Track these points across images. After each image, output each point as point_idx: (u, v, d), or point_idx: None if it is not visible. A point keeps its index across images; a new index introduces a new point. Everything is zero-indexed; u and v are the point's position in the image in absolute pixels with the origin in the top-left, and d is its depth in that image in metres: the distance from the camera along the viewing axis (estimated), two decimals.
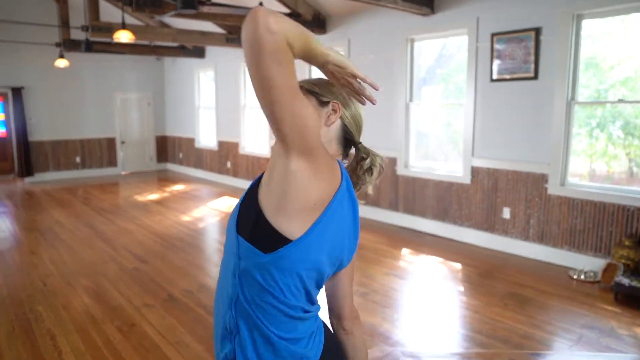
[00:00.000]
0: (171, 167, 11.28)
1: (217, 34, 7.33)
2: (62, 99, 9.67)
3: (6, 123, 10.00)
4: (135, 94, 10.72)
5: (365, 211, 6.16)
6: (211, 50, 9.20)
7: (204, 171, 9.91)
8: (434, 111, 5.62)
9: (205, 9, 4.83)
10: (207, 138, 9.88)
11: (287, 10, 6.11)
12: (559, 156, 4.21)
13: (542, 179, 4.35)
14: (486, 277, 4.03)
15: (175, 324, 3.14)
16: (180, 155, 10.83)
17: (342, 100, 1.12)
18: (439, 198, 5.29)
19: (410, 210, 5.63)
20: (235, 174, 8.89)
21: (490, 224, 4.81)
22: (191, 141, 10.30)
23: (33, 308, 3.40)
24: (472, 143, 4.90)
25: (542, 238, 4.40)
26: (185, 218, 6.32)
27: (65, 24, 7.53)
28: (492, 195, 4.78)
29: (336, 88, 1.11)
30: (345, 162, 1.16)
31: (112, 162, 10.49)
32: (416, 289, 3.86)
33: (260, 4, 5.64)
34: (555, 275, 4.04)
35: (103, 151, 10.35)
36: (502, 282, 3.91)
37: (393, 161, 5.76)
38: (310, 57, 0.94)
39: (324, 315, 1.24)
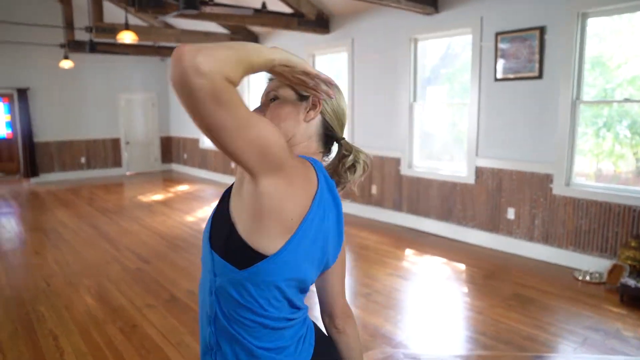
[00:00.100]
0: (176, 167, 11.31)
1: (220, 34, 7.34)
2: (67, 99, 9.71)
3: (12, 124, 10.06)
4: (139, 94, 10.76)
5: (369, 211, 6.14)
6: None
7: (209, 172, 9.93)
8: (439, 111, 5.60)
9: (208, 9, 4.83)
10: None
11: (290, 11, 6.10)
12: (564, 156, 4.18)
13: (547, 179, 4.31)
14: (490, 278, 4.00)
15: (177, 324, 3.14)
16: (185, 155, 10.85)
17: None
18: (443, 198, 5.26)
19: (414, 210, 5.61)
20: None
21: (495, 224, 4.77)
22: (195, 142, 10.31)
23: (36, 308, 3.40)
24: (477, 143, 4.87)
25: (546, 239, 4.36)
26: (189, 218, 6.32)
27: (69, 25, 7.56)
28: (496, 196, 4.74)
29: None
30: (327, 160, 1.11)
31: (117, 163, 10.53)
32: (419, 289, 3.83)
33: (263, 5, 5.64)
34: (560, 276, 4.01)
35: (108, 152, 10.39)
36: (506, 283, 3.87)
37: (397, 161, 5.74)
38: (255, 71, 0.87)
39: (318, 314, 1.22)
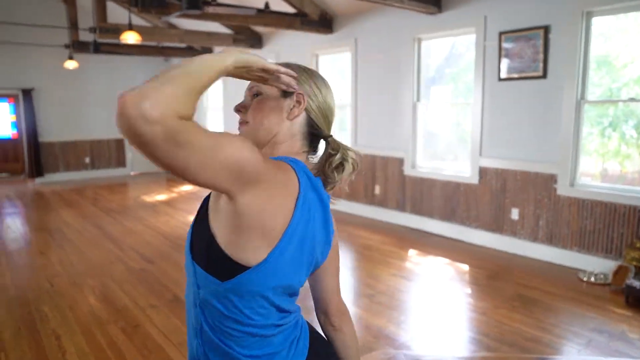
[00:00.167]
0: None
1: (223, 34, 7.34)
2: (71, 100, 9.75)
3: (17, 124, 10.12)
4: None
5: (372, 211, 6.12)
6: (219, 52, 9.21)
7: None
8: (443, 111, 5.58)
9: (211, 9, 4.83)
10: None
11: (293, 10, 6.10)
12: (568, 156, 4.15)
13: (551, 179, 4.29)
14: (494, 278, 3.98)
15: (179, 324, 3.14)
16: None
17: (308, 90, 1.02)
18: (447, 198, 5.24)
19: (417, 210, 5.59)
20: None
21: (499, 224, 4.75)
22: None
23: (39, 308, 3.41)
24: (480, 143, 4.85)
25: (551, 239, 4.33)
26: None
27: (74, 25, 7.59)
28: (500, 196, 4.72)
29: (304, 75, 1.02)
30: (314, 158, 1.08)
31: (121, 163, 10.56)
32: (423, 290, 3.82)
33: (266, 5, 5.63)
34: (564, 277, 3.98)
35: (112, 152, 10.42)
36: (510, 283, 3.85)
37: (400, 161, 5.72)
38: (209, 87, 0.82)
39: (315, 314, 1.21)
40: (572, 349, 2.84)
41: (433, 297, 3.66)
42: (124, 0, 6.29)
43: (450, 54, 5.65)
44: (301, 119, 1.02)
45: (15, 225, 6.06)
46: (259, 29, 7.56)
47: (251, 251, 0.87)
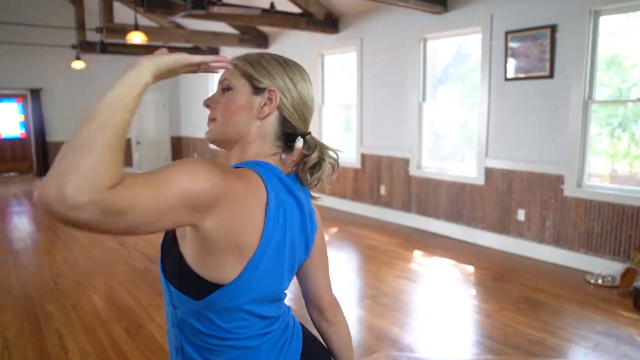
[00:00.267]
0: None
1: (229, 34, 7.35)
2: (78, 100, 9.81)
3: (25, 124, 10.20)
4: (150, 95, 10.83)
5: (377, 212, 6.10)
6: (225, 52, 9.23)
7: None
8: (450, 111, 5.54)
9: (216, 9, 4.83)
10: None
11: (298, 10, 6.08)
12: (575, 157, 4.10)
13: (558, 180, 4.24)
14: (499, 280, 3.93)
15: None
16: (195, 155, 10.89)
17: (282, 86, 0.94)
18: (452, 199, 5.20)
19: (422, 211, 5.55)
20: None
21: (505, 226, 4.70)
22: (205, 141, 10.35)
23: (43, 307, 3.42)
24: (486, 144, 4.80)
25: (557, 241, 4.28)
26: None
27: (81, 26, 7.63)
28: (506, 197, 4.67)
29: (277, 68, 0.95)
30: (288, 158, 1.01)
31: (128, 162, 10.62)
32: (427, 292, 3.79)
33: (272, 5, 5.63)
34: (571, 279, 3.93)
35: None
36: (515, 285, 3.81)
37: (406, 162, 5.69)
38: (135, 109, 0.73)
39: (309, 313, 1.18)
40: (579, 352, 2.80)
41: (437, 298, 3.63)
42: (130, 1, 6.31)
43: (458, 54, 5.62)
44: (273, 118, 0.95)
45: (22, 224, 6.10)
46: (265, 29, 7.56)
47: (223, 270, 0.82)
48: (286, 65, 0.97)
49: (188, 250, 0.83)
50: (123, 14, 7.37)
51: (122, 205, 0.64)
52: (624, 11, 3.84)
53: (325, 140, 7.01)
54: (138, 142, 10.70)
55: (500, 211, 4.74)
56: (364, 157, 6.26)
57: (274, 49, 7.69)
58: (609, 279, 3.78)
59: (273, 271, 0.90)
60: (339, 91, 6.93)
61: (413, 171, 5.61)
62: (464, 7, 4.87)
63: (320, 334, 1.17)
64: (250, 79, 0.94)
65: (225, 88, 0.96)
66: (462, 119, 5.47)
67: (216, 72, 0.95)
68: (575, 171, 4.11)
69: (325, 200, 6.88)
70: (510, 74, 4.49)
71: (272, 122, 0.96)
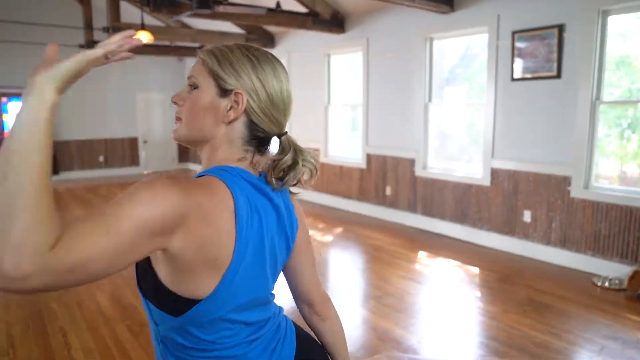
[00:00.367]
0: (192, 166, 11.41)
1: (236, 34, 7.36)
2: (86, 99, 9.87)
3: None
4: (157, 94, 10.87)
5: (382, 212, 6.07)
6: None
7: None
8: (457, 112, 5.51)
9: (221, 8, 4.84)
10: None
11: (304, 10, 6.08)
12: (582, 158, 4.05)
13: (565, 181, 4.19)
14: (504, 282, 3.90)
15: None
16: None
17: (250, 87, 0.88)
18: (458, 200, 5.17)
19: (428, 212, 5.52)
20: None
21: (511, 227, 4.66)
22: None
23: (48, 305, 3.44)
24: (492, 144, 4.77)
25: (564, 242, 4.24)
26: None
27: (89, 25, 7.67)
28: (512, 198, 4.64)
29: (245, 66, 0.88)
30: (261, 160, 0.94)
31: (135, 162, 10.67)
32: (432, 293, 3.76)
33: (278, 4, 5.62)
34: (577, 281, 3.89)
35: (126, 151, 10.53)
36: (521, 287, 3.78)
37: (411, 162, 5.66)
38: (51, 136, 0.65)
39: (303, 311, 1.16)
40: (585, 355, 2.77)
41: (442, 300, 3.60)
42: (136, 0, 6.34)
43: (465, 54, 5.58)
44: (240, 123, 0.89)
45: None
46: (271, 28, 7.56)
47: (199, 285, 0.80)
48: (257, 62, 0.90)
49: (161, 269, 0.81)
50: (130, 13, 7.40)
51: (74, 261, 0.59)
52: (634, 10, 3.79)
53: (331, 140, 7.04)
54: (145, 142, 10.75)
55: (506, 212, 4.70)
56: (369, 157, 6.24)
57: (280, 48, 7.69)
58: (617, 281, 3.73)
59: (253, 277, 0.87)
60: (345, 91, 6.92)
61: (419, 171, 5.58)
62: (470, 6, 4.84)
63: (312, 330, 1.15)
64: (216, 78, 0.88)
65: (192, 85, 0.91)
66: (469, 120, 5.43)
67: (131, 58, 0.87)
68: (583, 172, 4.06)
69: (331, 200, 6.87)
70: (517, 74, 4.45)
71: (239, 127, 0.90)
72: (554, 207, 4.29)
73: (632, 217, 3.79)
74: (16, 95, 10.12)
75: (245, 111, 0.88)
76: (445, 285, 3.87)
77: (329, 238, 5.34)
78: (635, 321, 3.18)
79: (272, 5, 5.64)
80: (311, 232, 5.57)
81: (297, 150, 0.93)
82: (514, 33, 4.42)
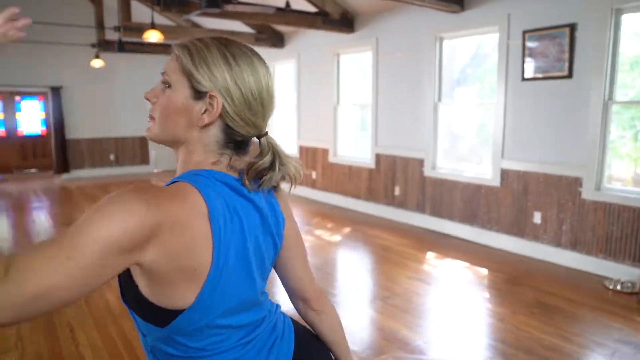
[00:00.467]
0: None
1: (246, 33, 7.38)
2: (97, 98, 9.96)
3: (46, 121, 10.40)
4: None
5: (391, 212, 6.05)
6: None
7: None
8: (468, 112, 5.46)
9: (230, 7, 4.85)
10: None
11: (314, 9, 6.07)
12: (594, 159, 3.99)
13: (576, 182, 4.14)
14: (514, 283, 3.86)
15: None
16: None
17: (224, 89, 0.83)
18: (467, 201, 5.13)
19: (437, 212, 5.49)
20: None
21: (520, 228, 4.61)
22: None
23: None
24: (502, 145, 4.72)
25: (575, 244, 4.18)
26: None
27: (100, 25, 7.74)
28: (522, 199, 4.59)
29: (221, 66, 0.83)
30: (239, 162, 0.90)
31: (145, 160, 10.74)
32: (440, 294, 3.73)
33: (287, 3, 5.62)
34: (588, 284, 3.83)
35: (136, 149, 10.61)
36: (530, 289, 3.73)
37: (420, 162, 5.63)
38: None
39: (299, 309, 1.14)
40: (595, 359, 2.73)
41: (450, 301, 3.57)
42: None
43: (476, 54, 5.54)
44: (216, 127, 0.85)
45: (40, 220, 6.21)
46: (281, 28, 7.57)
47: (180, 296, 0.77)
48: (232, 60, 0.84)
49: (140, 282, 0.78)
50: (140, 12, 7.45)
51: (32, 292, 0.58)
52: None
53: (340, 140, 7.02)
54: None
55: (515, 213, 4.65)
56: (378, 157, 6.21)
57: (289, 48, 7.69)
58: (629, 285, 3.67)
59: (239, 280, 0.84)
60: (354, 91, 6.90)
61: (428, 172, 5.55)
62: (480, 6, 4.80)
63: (309, 325, 1.12)
64: (190, 77, 0.83)
65: (165, 83, 0.87)
66: (480, 121, 5.39)
67: (24, 38, 0.83)
68: (594, 173, 4.00)
69: (339, 200, 6.86)
70: (527, 74, 4.40)
71: (214, 132, 0.86)
72: (565, 208, 4.24)
73: None
74: (29, 94, 10.25)
75: (221, 115, 0.84)
76: (453, 286, 3.84)
77: (337, 238, 5.33)
78: None
79: (282, 4, 5.65)
80: (319, 232, 5.57)
81: (276, 154, 0.90)
82: (524, 32, 4.37)
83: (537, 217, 4.46)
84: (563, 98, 4.18)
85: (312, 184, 7.46)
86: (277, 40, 7.74)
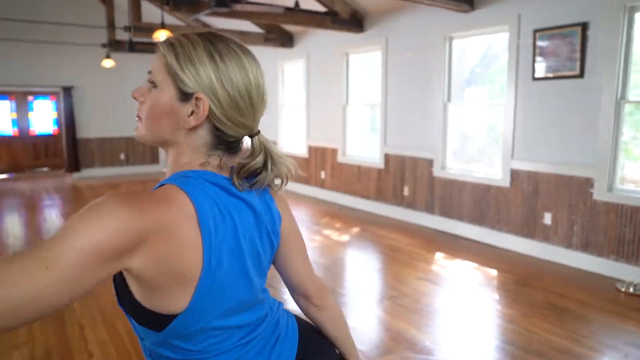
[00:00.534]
0: None
1: (255, 33, 7.39)
2: (108, 97, 10.04)
3: (58, 121, 10.51)
4: None
5: (400, 213, 6.02)
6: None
7: None
8: (478, 112, 5.42)
9: (239, 7, 4.86)
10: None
11: (323, 9, 6.07)
12: (606, 159, 3.94)
13: (587, 183, 4.09)
14: (524, 285, 3.82)
15: None
16: None
17: (210, 89, 0.80)
18: (477, 201, 5.09)
19: (446, 213, 5.45)
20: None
21: (530, 229, 4.57)
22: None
23: None
24: (512, 145, 4.68)
25: (586, 246, 4.13)
26: None
27: (111, 25, 7.80)
28: (532, 200, 4.54)
29: (207, 65, 0.80)
30: (230, 162, 0.88)
31: (154, 160, 10.81)
32: (448, 294, 3.71)
33: (296, 3, 5.62)
34: (600, 286, 3.78)
35: (146, 149, 10.67)
36: (540, 291, 3.69)
37: (430, 162, 5.60)
38: None
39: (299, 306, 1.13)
40: None
41: (459, 301, 3.55)
42: None
43: (486, 54, 5.50)
44: (203, 129, 0.83)
45: (50, 218, 6.27)
46: (290, 27, 7.57)
47: (173, 301, 0.76)
48: (219, 58, 0.81)
49: (133, 287, 0.77)
50: (150, 12, 7.50)
51: (11, 303, 0.58)
52: None
53: (349, 140, 7.01)
54: None
55: (525, 214, 4.61)
56: (387, 157, 6.19)
57: (299, 48, 7.69)
58: None
59: (234, 281, 0.83)
60: (363, 90, 6.89)
61: (437, 172, 5.51)
62: (490, 5, 4.76)
63: (312, 321, 1.11)
64: (175, 78, 0.81)
65: (151, 82, 0.85)
66: (490, 121, 5.35)
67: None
68: (606, 174, 3.95)
69: (348, 200, 6.85)
70: (538, 74, 4.36)
71: (202, 134, 0.84)
72: (576, 209, 4.19)
73: None
74: (42, 94, 10.37)
75: (208, 117, 0.82)
76: (462, 287, 3.81)
77: (345, 238, 5.32)
78: None
79: (291, 4, 5.65)
80: (328, 232, 5.57)
81: (268, 154, 0.88)
82: (535, 32, 4.33)
83: (547, 218, 4.41)
84: (574, 98, 4.13)
85: (321, 184, 7.45)
86: (286, 40, 7.75)
